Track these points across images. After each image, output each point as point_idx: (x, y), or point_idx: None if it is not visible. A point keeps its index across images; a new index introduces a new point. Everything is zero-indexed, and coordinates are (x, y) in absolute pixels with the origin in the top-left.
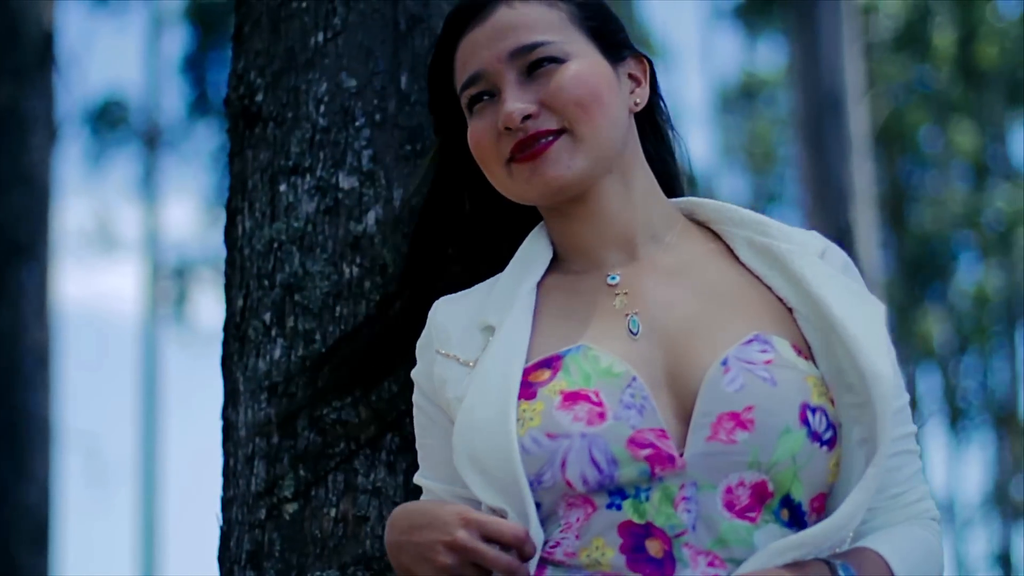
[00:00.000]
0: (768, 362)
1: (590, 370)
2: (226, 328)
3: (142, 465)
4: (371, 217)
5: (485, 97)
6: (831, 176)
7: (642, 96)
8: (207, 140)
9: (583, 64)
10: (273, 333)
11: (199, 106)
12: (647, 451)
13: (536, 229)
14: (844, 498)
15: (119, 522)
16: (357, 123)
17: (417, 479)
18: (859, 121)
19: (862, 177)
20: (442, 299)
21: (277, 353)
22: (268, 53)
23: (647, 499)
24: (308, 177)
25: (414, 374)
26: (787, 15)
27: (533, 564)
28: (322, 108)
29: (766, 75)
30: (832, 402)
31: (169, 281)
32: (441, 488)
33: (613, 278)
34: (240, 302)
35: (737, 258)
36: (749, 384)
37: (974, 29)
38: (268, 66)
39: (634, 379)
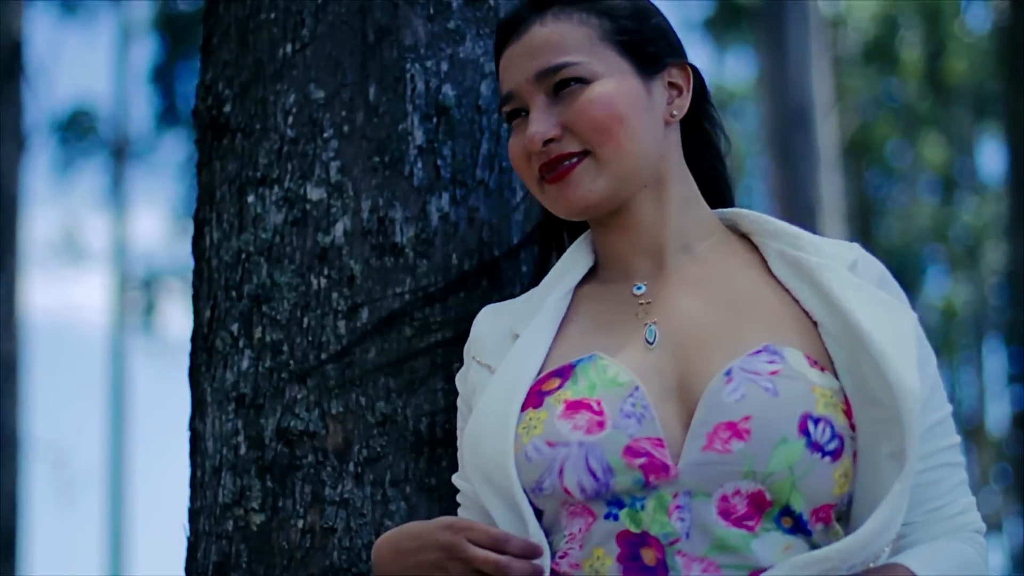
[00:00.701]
0: (774, 373)
1: (596, 379)
2: (193, 339)
3: (109, 476)
4: (339, 228)
5: (523, 114)
6: (799, 189)
7: (681, 106)
8: (175, 151)
9: (607, 85)
10: (241, 344)
11: (167, 117)
12: (642, 460)
13: (582, 236)
14: (870, 513)
15: (86, 532)
16: (325, 134)
17: (454, 479)
18: (827, 134)
19: (830, 190)
20: (488, 307)
21: (245, 364)
22: (236, 64)
23: (642, 508)
24: (276, 188)
25: (456, 378)
26: (756, 28)
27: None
28: (290, 119)
29: (735, 88)
30: (848, 414)
31: (137, 292)
32: (472, 489)
33: (639, 288)
34: (208, 313)
35: (770, 270)
36: (750, 394)
37: (942, 44)
38: (236, 77)
39: (636, 388)
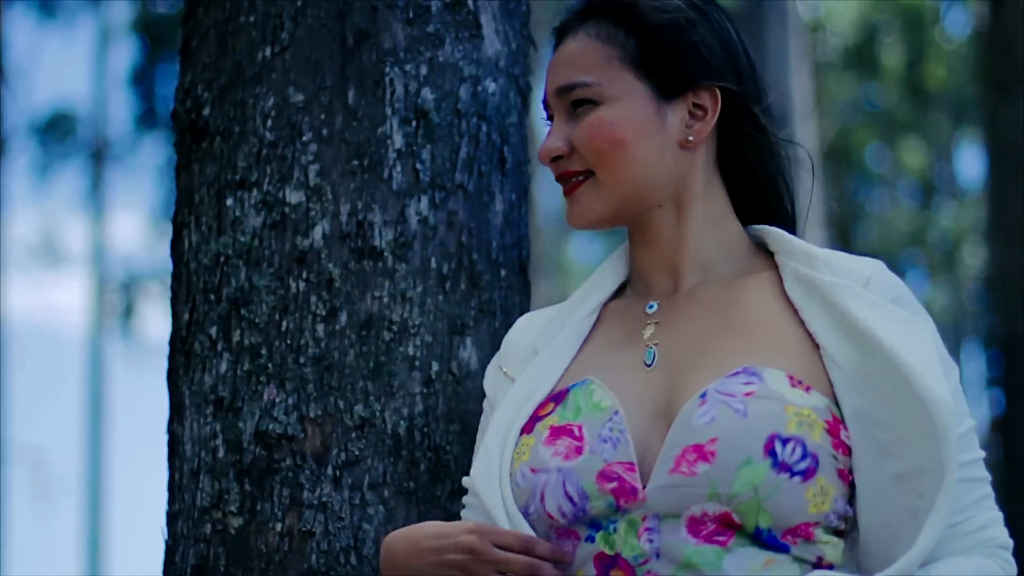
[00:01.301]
0: (748, 394)
1: (583, 404)
2: (172, 342)
3: (88, 478)
4: (318, 232)
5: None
6: None
7: (701, 130)
8: (154, 154)
9: (614, 110)
10: (219, 347)
11: (146, 119)
12: (613, 484)
13: (619, 249)
14: (877, 534)
15: (65, 535)
16: (304, 138)
17: (465, 481)
18: (807, 139)
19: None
20: (526, 315)
21: (223, 367)
22: (215, 67)
23: (615, 530)
24: (255, 191)
25: (484, 382)
26: None
27: None
28: (269, 122)
29: None
30: (832, 433)
31: (116, 294)
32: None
33: (651, 307)
34: (186, 316)
35: (784, 290)
36: (720, 416)
37: (922, 49)
38: (215, 80)
39: (616, 413)
